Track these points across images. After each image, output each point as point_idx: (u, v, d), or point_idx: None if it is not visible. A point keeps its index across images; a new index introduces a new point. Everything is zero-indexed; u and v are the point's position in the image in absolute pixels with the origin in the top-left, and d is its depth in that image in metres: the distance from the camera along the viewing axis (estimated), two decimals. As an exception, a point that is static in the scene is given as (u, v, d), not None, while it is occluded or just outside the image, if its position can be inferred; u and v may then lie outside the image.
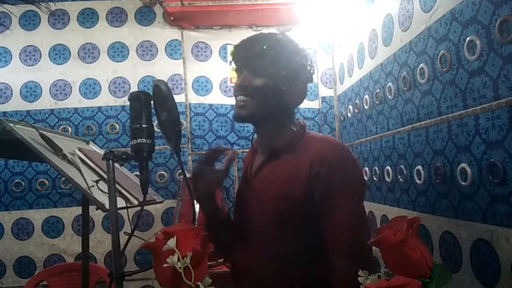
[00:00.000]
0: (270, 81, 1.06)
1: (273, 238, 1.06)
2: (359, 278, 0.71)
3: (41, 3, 1.84)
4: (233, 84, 2.68)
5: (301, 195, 1.03)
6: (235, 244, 1.18)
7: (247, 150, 2.62)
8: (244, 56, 1.10)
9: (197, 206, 2.23)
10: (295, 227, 1.05)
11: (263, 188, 1.11)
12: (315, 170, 1.02)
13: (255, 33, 1.13)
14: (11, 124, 1.17)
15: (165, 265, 0.77)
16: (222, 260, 2.19)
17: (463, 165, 1.19)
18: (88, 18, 2.67)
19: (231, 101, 2.70)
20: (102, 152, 1.55)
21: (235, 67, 1.16)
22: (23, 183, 2.56)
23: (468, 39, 1.14)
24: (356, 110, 2.21)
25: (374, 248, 0.90)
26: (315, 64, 1.18)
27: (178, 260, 0.76)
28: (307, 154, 1.06)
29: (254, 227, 1.11)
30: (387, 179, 1.75)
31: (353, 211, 1.02)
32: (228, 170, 1.13)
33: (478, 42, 1.10)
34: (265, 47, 1.07)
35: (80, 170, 1.22)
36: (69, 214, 2.56)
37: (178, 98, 2.62)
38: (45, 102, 2.61)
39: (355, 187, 1.06)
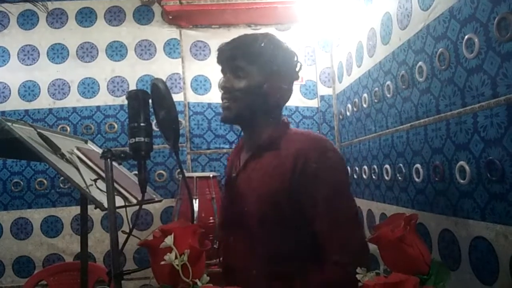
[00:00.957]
0: (252, 82, 1.09)
1: (259, 234, 1.07)
2: (357, 276, 0.71)
3: (39, 2, 1.83)
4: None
5: (285, 189, 1.04)
6: (223, 242, 1.21)
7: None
8: (227, 58, 1.13)
9: (195, 205, 2.23)
10: (280, 222, 1.05)
11: (247, 184, 1.13)
12: (299, 164, 1.03)
13: (254, 31, 1.14)
14: (9, 124, 1.16)
15: (162, 263, 0.77)
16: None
17: (461, 163, 1.19)
18: (86, 17, 2.67)
19: (230, 100, 2.69)
20: (100, 151, 1.55)
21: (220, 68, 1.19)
22: (21, 182, 2.56)
23: (466, 37, 1.14)
24: (355, 109, 2.21)
25: (373, 245, 0.90)
26: (299, 62, 1.17)
27: (176, 257, 0.76)
28: (289, 149, 1.07)
29: (240, 224, 1.12)
30: (386, 178, 1.76)
31: (339, 202, 1.03)
32: None
33: (476, 40, 1.09)
34: (246, 49, 1.10)
35: (78, 169, 1.22)
36: (68, 213, 2.56)
37: (177, 97, 2.62)
38: (44, 102, 2.61)
39: (339, 178, 1.07)
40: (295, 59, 1.16)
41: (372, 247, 0.92)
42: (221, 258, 1.25)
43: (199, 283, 0.79)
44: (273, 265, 1.05)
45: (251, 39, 1.13)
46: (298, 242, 1.05)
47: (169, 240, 0.78)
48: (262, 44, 1.11)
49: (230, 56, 1.12)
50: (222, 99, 1.14)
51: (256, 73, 1.09)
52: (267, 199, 1.06)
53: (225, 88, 1.12)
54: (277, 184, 1.05)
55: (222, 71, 1.17)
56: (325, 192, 1.02)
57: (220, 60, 1.16)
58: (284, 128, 1.16)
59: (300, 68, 1.18)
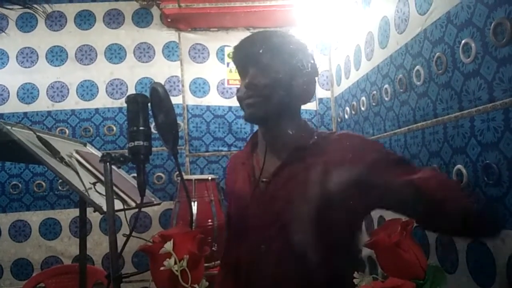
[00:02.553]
0: (279, 77, 1.02)
1: (305, 238, 0.98)
2: (354, 280, 0.72)
3: (38, 7, 1.83)
4: (230, 86, 2.69)
5: (337, 193, 0.93)
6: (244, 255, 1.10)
7: (245, 144, 2.63)
8: (248, 55, 1.06)
9: (194, 208, 2.23)
10: (326, 228, 0.97)
11: (292, 189, 1.04)
12: (352, 164, 0.94)
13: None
14: (8, 127, 1.16)
15: (162, 268, 0.77)
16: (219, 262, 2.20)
17: (458, 166, 1.19)
18: (85, 20, 2.67)
19: (229, 102, 2.70)
20: (99, 154, 1.56)
21: (236, 69, 1.12)
22: (20, 185, 2.56)
23: (463, 41, 1.15)
24: (353, 112, 2.22)
25: (369, 250, 0.91)
26: (316, 61, 1.15)
27: (175, 263, 0.76)
28: (334, 152, 1.02)
29: (281, 230, 1.02)
30: (384, 181, 1.76)
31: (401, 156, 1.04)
32: None
33: (473, 44, 1.10)
34: (267, 41, 1.04)
35: (77, 172, 1.22)
36: (66, 216, 2.55)
37: (176, 100, 2.63)
38: (42, 104, 2.61)
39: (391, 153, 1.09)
40: (313, 56, 1.12)
41: (369, 251, 0.93)
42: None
43: (197, 288, 0.79)
44: (320, 275, 0.97)
45: (272, 33, 1.07)
46: (344, 251, 1.00)
47: (168, 246, 0.78)
48: (285, 39, 1.06)
49: (251, 51, 1.05)
50: (245, 98, 1.05)
51: (282, 67, 1.03)
52: (316, 204, 0.96)
53: (252, 85, 1.03)
54: (327, 188, 0.94)
55: (242, 70, 1.09)
56: (390, 159, 1.00)
57: (239, 57, 1.08)
58: (311, 129, 1.12)
59: (318, 68, 1.14)
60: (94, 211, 1.09)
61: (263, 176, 1.09)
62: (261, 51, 1.02)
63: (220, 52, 2.71)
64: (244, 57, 1.07)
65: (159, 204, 1.56)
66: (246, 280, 1.09)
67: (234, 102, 2.68)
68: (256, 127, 1.18)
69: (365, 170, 0.92)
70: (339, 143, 1.05)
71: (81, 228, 1.58)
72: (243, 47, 1.07)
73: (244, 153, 1.21)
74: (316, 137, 1.08)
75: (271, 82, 1.02)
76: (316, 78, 1.16)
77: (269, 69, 1.02)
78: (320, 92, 2.71)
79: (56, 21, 2.66)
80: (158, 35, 2.69)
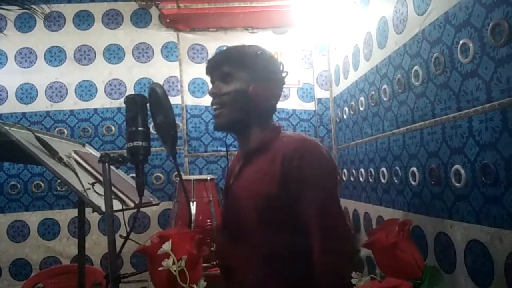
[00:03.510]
0: (238, 86, 1.13)
1: (253, 238, 1.09)
2: (352, 280, 0.72)
3: (36, 7, 1.83)
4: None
5: (277, 191, 1.05)
6: (224, 247, 1.22)
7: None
8: (214, 66, 1.18)
9: (193, 208, 2.23)
10: (273, 225, 1.07)
11: (241, 190, 1.16)
12: (285, 167, 1.05)
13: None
14: (7, 127, 1.16)
15: (160, 269, 0.77)
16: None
17: (457, 166, 1.20)
18: (84, 20, 2.67)
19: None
20: (98, 154, 1.56)
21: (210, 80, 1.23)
22: (18, 185, 2.55)
23: (461, 42, 1.15)
24: (352, 112, 2.22)
25: (368, 250, 0.91)
26: (284, 68, 1.23)
27: (173, 263, 0.77)
28: (277, 152, 1.09)
29: (236, 228, 1.15)
30: (383, 181, 1.76)
31: (325, 204, 1.03)
32: None
33: (471, 45, 1.11)
34: (232, 56, 1.17)
35: (76, 173, 1.22)
36: (65, 216, 2.55)
37: (174, 100, 2.63)
38: (41, 104, 2.61)
39: (326, 180, 1.07)
40: (281, 67, 1.21)
41: (368, 251, 0.93)
42: (217, 261, 1.26)
43: (196, 288, 0.79)
44: (268, 268, 1.06)
45: (237, 48, 1.19)
46: (291, 244, 1.06)
47: (167, 246, 0.78)
48: (247, 52, 1.17)
49: (217, 64, 1.17)
50: (212, 105, 1.19)
51: (241, 78, 1.14)
52: (259, 202, 1.08)
53: (213, 94, 1.17)
54: (267, 188, 1.07)
55: (211, 81, 1.21)
56: (312, 194, 1.03)
57: (208, 71, 1.21)
58: (274, 131, 1.18)
59: (286, 75, 1.22)
60: (93, 212, 1.08)
61: (230, 179, 1.24)
62: (223, 65, 1.16)
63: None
64: (211, 71, 1.20)
65: (157, 204, 1.56)
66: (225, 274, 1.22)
67: (233, 102, 2.68)
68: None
69: (284, 179, 1.05)
70: (283, 146, 1.10)
71: (80, 228, 1.57)
72: (210, 62, 1.20)
73: (235, 158, 1.36)
74: (270, 139, 1.15)
75: (229, 90, 1.14)
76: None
77: (229, 80, 1.15)
78: (319, 92, 2.71)
79: (54, 22, 2.65)
80: (157, 36, 2.69)
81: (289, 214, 1.05)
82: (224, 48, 1.25)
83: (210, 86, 1.22)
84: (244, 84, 1.13)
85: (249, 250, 1.10)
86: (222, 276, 1.24)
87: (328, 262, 0.96)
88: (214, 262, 2.11)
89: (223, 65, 1.16)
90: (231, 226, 1.20)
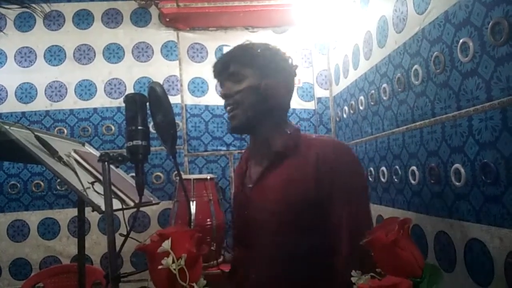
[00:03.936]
0: (249, 83, 1.10)
1: (285, 243, 1.05)
2: (352, 278, 0.72)
3: (36, 6, 1.83)
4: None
5: (311, 197, 1.03)
6: (240, 254, 1.18)
7: (243, 151, 2.64)
8: (222, 68, 1.16)
9: (192, 208, 2.23)
10: (304, 232, 1.04)
11: (267, 195, 1.10)
12: (321, 171, 1.03)
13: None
14: (7, 126, 1.16)
15: (160, 267, 0.77)
16: (220, 260, 2.21)
17: (457, 165, 1.20)
18: (83, 19, 2.67)
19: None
20: (98, 153, 1.55)
21: (219, 83, 1.21)
22: (18, 185, 2.55)
23: (461, 41, 1.15)
24: (352, 111, 2.22)
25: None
26: (296, 65, 1.20)
27: (173, 261, 0.77)
28: (310, 156, 1.06)
29: (260, 236, 1.10)
30: (382, 180, 1.76)
31: (360, 203, 1.04)
32: None
33: (471, 44, 1.11)
34: (239, 55, 1.13)
35: (75, 172, 1.22)
36: (65, 215, 2.55)
37: (174, 100, 2.63)
38: (41, 104, 2.60)
39: (360, 184, 1.08)
40: (290, 61, 1.18)
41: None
42: (233, 269, 1.23)
43: (196, 287, 0.79)
44: (298, 276, 1.03)
45: (244, 46, 1.16)
46: (322, 251, 1.03)
47: (166, 245, 0.78)
48: (255, 49, 1.14)
49: (224, 65, 1.15)
50: (225, 107, 1.15)
51: (251, 75, 1.11)
52: (292, 207, 1.05)
53: (225, 96, 1.14)
54: (302, 192, 1.04)
55: (220, 85, 1.18)
56: (348, 198, 1.02)
57: (216, 73, 1.19)
58: (297, 134, 1.15)
59: (296, 69, 1.19)
60: (93, 211, 1.08)
61: (249, 183, 1.17)
62: (232, 65, 1.13)
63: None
64: (219, 73, 1.17)
65: (157, 203, 1.56)
66: (240, 282, 1.17)
67: (232, 102, 2.68)
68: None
69: (321, 181, 1.02)
70: (314, 150, 1.08)
71: (80, 227, 1.57)
72: (218, 64, 1.17)
73: (242, 161, 1.29)
74: (298, 142, 1.12)
75: (241, 89, 1.10)
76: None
77: (240, 79, 1.11)
78: (319, 92, 2.71)
79: (54, 21, 2.65)
80: (157, 35, 2.69)
81: (321, 219, 1.03)
82: (224, 47, 1.24)
83: (220, 89, 1.20)
84: (255, 80, 1.10)
85: (276, 255, 1.06)
86: (237, 284, 1.18)
87: (352, 263, 0.94)
88: (215, 262, 2.12)
89: (231, 65, 1.13)
90: (250, 233, 1.14)
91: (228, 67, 1.13)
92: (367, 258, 0.90)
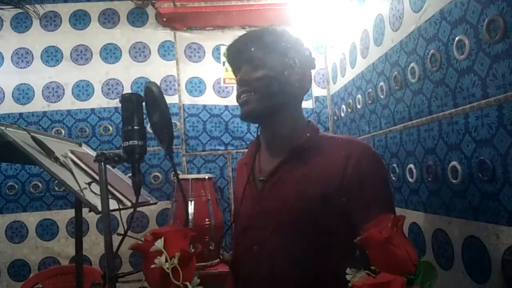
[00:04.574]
0: (270, 71, 1.02)
1: (300, 241, 1.00)
2: (346, 276, 0.72)
3: (29, 7, 1.82)
4: (226, 85, 2.69)
5: (332, 197, 0.99)
6: (243, 251, 1.10)
7: (241, 151, 2.65)
8: (240, 52, 1.07)
9: (190, 207, 2.23)
10: (323, 230, 1.00)
11: (287, 189, 1.04)
12: (348, 173, 0.99)
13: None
14: (3, 128, 1.16)
15: (153, 266, 0.77)
16: (217, 260, 2.20)
17: (454, 163, 1.20)
18: (80, 19, 2.66)
19: (225, 101, 2.70)
20: (94, 154, 1.55)
21: (231, 68, 1.13)
22: (16, 186, 2.55)
23: (457, 38, 1.15)
24: (349, 110, 2.22)
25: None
26: (311, 53, 1.14)
27: (166, 260, 0.76)
28: (336, 154, 1.02)
29: (276, 232, 1.03)
30: (380, 178, 1.76)
31: (387, 204, 1.01)
32: None
33: (466, 41, 1.11)
34: (260, 39, 1.05)
35: (72, 172, 1.22)
36: (63, 216, 2.55)
37: (172, 99, 2.62)
38: (38, 105, 2.60)
39: (385, 181, 1.05)
40: (308, 49, 1.12)
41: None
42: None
43: (189, 286, 0.79)
44: (310, 276, 0.99)
45: (265, 29, 1.08)
46: (338, 253, 0.99)
47: (159, 244, 0.78)
48: (276, 33, 1.06)
49: (243, 48, 1.06)
50: (240, 94, 1.06)
51: (274, 61, 1.03)
52: (309, 205, 1.00)
53: (243, 81, 1.04)
54: (324, 189, 0.99)
55: (236, 68, 1.09)
56: (375, 195, 0.99)
57: (232, 56, 1.10)
58: (317, 129, 1.11)
59: (315, 60, 1.14)
60: (89, 211, 1.09)
61: (261, 176, 1.10)
62: (252, 48, 1.03)
63: (216, 51, 2.71)
64: (236, 56, 1.08)
65: (155, 203, 1.56)
66: (242, 281, 1.12)
67: (230, 101, 2.68)
68: (253, 126, 1.18)
69: (347, 181, 0.98)
70: (341, 149, 1.03)
71: (78, 228, 1.58)
72: (235, 46, 1.08)
73: (248, 153, 1.22)
74: (317, 138, 1.08)
75: (261, 76, 1.02)
76: (313, 71, 1.16)
77: (260, 64, 1.03)
78: (316, 90, 2.71)
79: (50, 21, 2.65)
80: (154, 35, 2.69)
81: (339, 220, 1.00)
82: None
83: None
84: (278, 68, 1.02)
85: (289, 254, 1.01)
86: (239, 283, 1.13)
87: None
88: (210, 263, 2.12)
89: (251, 48, 1.03)
90: (260, 229, 1.06)
91: (248, 50, 1.04)
92: None
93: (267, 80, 1.02)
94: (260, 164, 1.13)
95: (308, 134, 1.08)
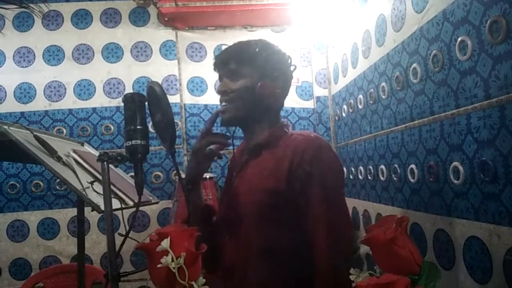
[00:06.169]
0: (246, 83, 1.12)
1: (253, 233, 1.09)
2: (350, 276, 0.72)
3: (34, 6, 1.83)
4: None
5: (282, 189, 1.05)
6: (219, 240, 1.19)
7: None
8: (221, 64, 1.17)
9: (192, 207, 2.23)
10: (275, 221, 1.07)
11: (245, 184, 1.15)
12: (295, 164, 1.05)
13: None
14: (6, 127, 1.16)
15: (159, 266, 0.78)
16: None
17: (455, 163, 1.20)
18: (82, 19, 2.67)
19: (226, 101, 2.70)
20: (97, 153, 1.56)
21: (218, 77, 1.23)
22: (18, 185, 2.55)
23: (459, 39, 1.15)
24: (351, 110, 2.22)
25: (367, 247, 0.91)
26: (294, 65, 1.21)
27: (172, 260, 0.77)
28: (286, 149, 1.09)
29: (235, 223, 1.13)
30: (382, 178, 1.77)
31: (332, 203, 1.04)
32: (220, 153, 1.18)
33: (469, 42, 1.11)
34: (239, 53, 1.15)
35: (74, 172, 1.22)
36: (64, 215, 2.55)
37: (173, 99, 2.63)
38: (40, 104, 2.61)
39: (333, 179, 1.07)
40: (289, 61, 1.18)
41: (367, 249, 0.93)
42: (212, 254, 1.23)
43: (195, 285, 0.80)
44: (267, 264, 1.06)
45: (244, 44, 1.17)
46: (292, 242, 1.05)
47: (165, 244, 0.79)
48: (255, 48, 1.14)
49: (224, 61, 1.16)
50: (220, 103, 1.17)
51: (250, 75, 1.12)
52: (263, 198, 1.07)
53: (221, 92, 1.16)
54: (273, 184, 1.06)
55: (219, 79, 1.20)
56: (319, 193, 1.02)
57: (216, 67, 1.20)
58: (282, 129, 1.17)
59: (294, 69, 1.20)
60: (92, 210, 1.09)
61: (234, 172, 1.22)
62: (231, 62, 1.14)
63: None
64: (218, 67, 1.19)
65: (157, 203, 1.56)
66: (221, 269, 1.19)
67: (231, 101, 2.68)
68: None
69: (292, 176, 1.04)
70: (293, 144, 1.10)
71: (79, 227, 1.58)
72: (218, 58, 1.19)
73: (236, 152, 1.34)
74: (277, 136, 1.15)
75: (238, 87, 1.12)
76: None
77: (238, 76, 1.13)
78: (318, 91, 2.71)
79: (52, 20, 2.65)
80: (155, 34, 2.69)
81: (293, 212, 1.05)
82: (223, 46, 1.24)
83: (217, 76, 1.20)
84: (252, 80, 1.12)
85: (246, 245, 1.09)
86: (219, 274, 1.21)
87: (329, 258, 0.97)
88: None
89: (230, 62, 1.14)
90: (228, 220, 1.18)
91: (228, 64, 1.15)
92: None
93: (242, 92, 1.12)
94: (237, 162, 1.26)
95: (268, 133, 1.16)
